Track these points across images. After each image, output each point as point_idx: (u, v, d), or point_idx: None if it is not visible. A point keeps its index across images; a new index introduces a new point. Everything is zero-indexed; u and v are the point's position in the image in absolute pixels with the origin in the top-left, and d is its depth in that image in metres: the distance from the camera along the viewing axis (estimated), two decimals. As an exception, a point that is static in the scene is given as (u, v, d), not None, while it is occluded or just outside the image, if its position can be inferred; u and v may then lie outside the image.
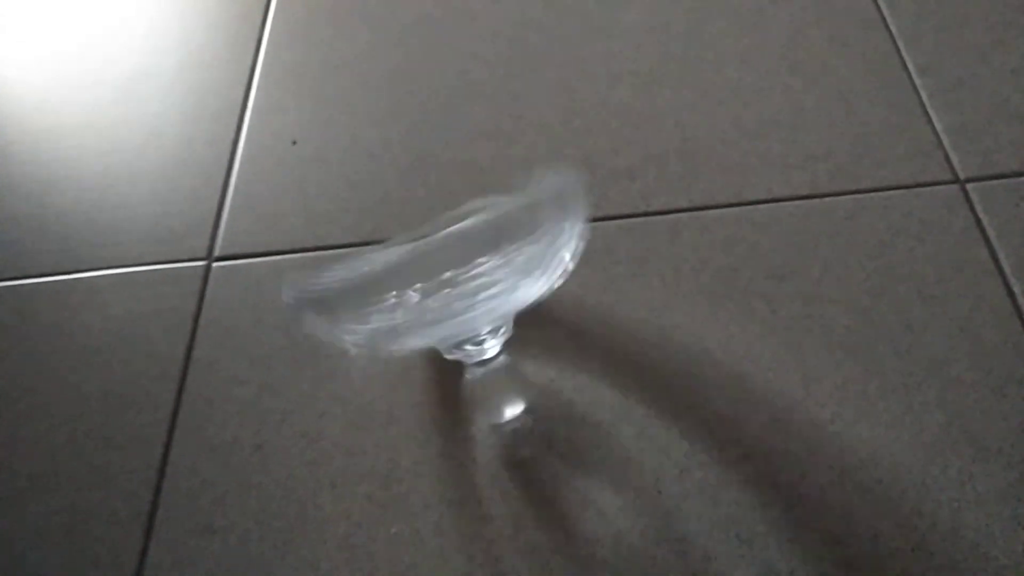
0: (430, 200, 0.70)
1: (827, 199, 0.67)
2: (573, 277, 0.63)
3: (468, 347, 0.55)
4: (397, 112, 0.76)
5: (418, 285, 0.51)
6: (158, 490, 0.58)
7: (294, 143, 0.75)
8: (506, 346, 0.55)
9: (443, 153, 0.73)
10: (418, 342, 0.53)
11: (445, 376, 0.61)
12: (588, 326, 0.62)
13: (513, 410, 0.58)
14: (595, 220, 0.67)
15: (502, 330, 0.56)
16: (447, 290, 0.50)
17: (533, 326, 0.61)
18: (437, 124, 0.75)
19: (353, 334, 0.52)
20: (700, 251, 0.64)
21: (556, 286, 0.54)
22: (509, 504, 0.55)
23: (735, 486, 0.54)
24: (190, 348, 0.64)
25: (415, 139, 0.74)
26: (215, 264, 0.69)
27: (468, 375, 0.57)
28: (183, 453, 0.59)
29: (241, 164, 0.75)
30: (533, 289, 0.53)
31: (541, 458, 0.57)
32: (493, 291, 0.51)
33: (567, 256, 0.53)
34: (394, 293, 0.52)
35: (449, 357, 0.55)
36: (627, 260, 0.64)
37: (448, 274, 0.51)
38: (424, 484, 0.56)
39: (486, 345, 0.55)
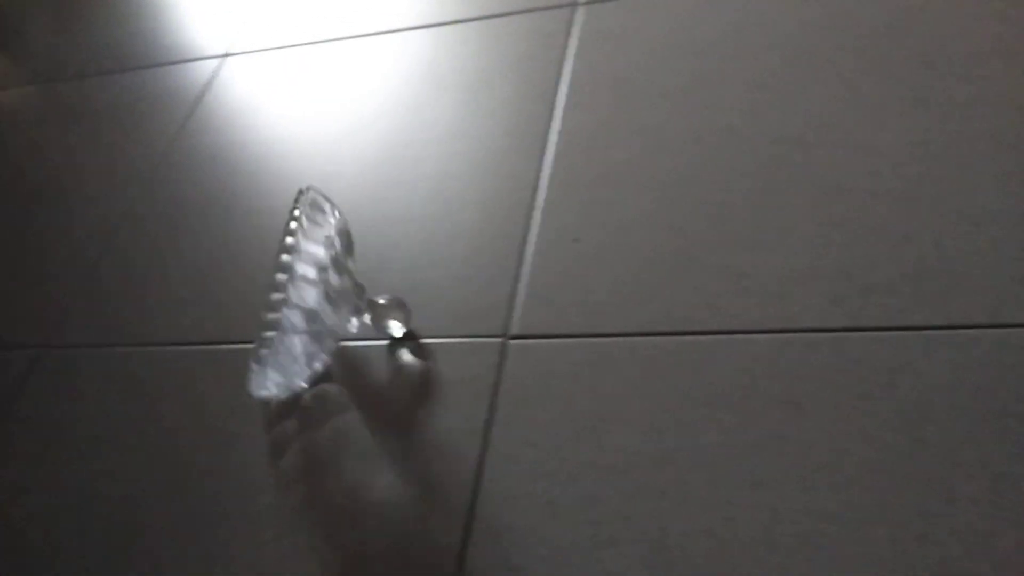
0: (695, 300, 0.79)
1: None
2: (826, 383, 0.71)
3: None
4: (666, 217, 0.87)
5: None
6: (468, 527, 0.71)
7: (576, 240, 0.88)
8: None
9: (708, 257, 0.82)
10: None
11: (691, 442, 0.70)
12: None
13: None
14: (850, 330, 0.74)
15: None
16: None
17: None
18: (703, 230, 0.85)
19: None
20: (956, 370, 0.69)
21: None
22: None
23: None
24: (491, 411, 0.78)
25: (683, 243, 0.84)
26: (511, 341, 0.82)
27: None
28: (489, 498, 0.72)
29: (531, 256, 0.88)
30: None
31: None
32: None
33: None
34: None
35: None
36: (880, 371, 0.71)
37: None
38: (689, 553, 0.65)
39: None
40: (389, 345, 0.86)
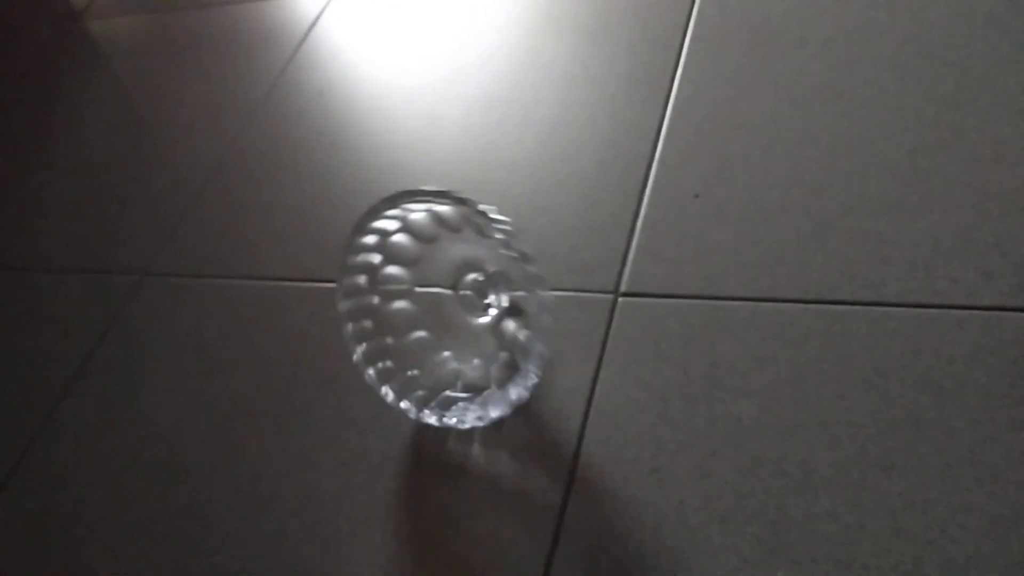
0: (827, 267, 0.73)
1: None
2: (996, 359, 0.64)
3: None
4: (798, 176, 0.81)
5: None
6: (568, 488, 0.68)
7: (696, 196, 0.82)
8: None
9: (843, 222, 0.76)
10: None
11: (831, 440, 0.64)
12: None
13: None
14: (1002, 310, 0.67)
15: None
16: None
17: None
18: (839, 192, 0.78)
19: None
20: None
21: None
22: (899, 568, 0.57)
23: None
24: (597, 369, 0.74)
25: (815, 205, 0.78)
26: (621, 298, 0.78)
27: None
28: (590, 462, 0.69)
29: (646, 211, 0.83)
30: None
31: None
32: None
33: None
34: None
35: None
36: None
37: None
38: (811, 538, 0.60)
39: None
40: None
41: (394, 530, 0.69)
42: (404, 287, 0.74)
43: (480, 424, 0.72)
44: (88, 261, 1.02)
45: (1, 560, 0.77)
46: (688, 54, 0.96)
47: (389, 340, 0.73)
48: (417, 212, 0.70)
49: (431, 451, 0.74)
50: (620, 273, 0.79)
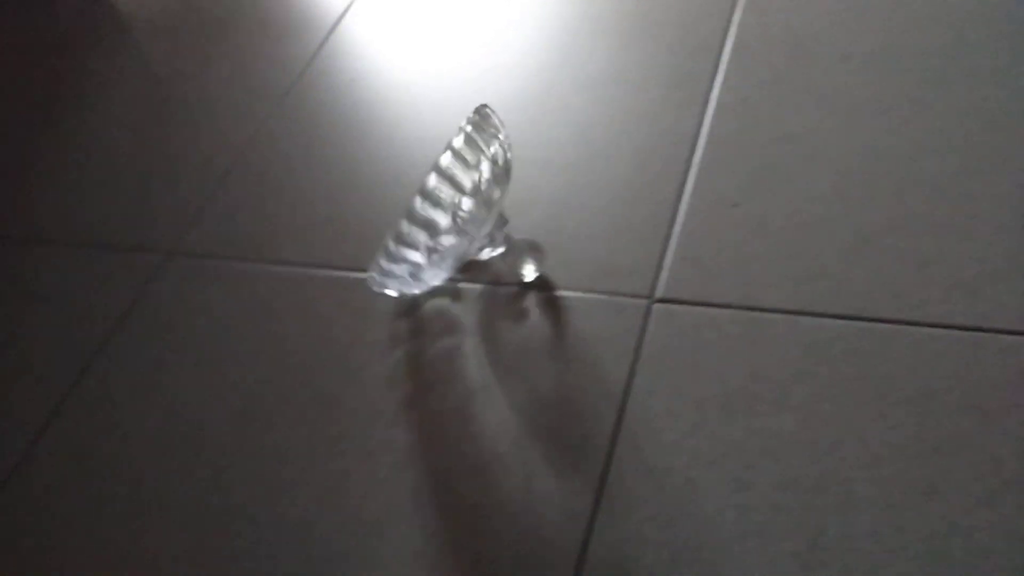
0: (870, 284, 0.73)
1: None
2: None
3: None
4: (841, 190, 0.80)
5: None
6: (599, 494, 0.67)
7: (735, 205, 0.82)
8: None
9: (886, 239, 0.75)
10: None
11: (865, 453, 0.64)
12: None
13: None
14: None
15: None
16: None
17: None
18: (882, 208, 0.77)
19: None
20: None
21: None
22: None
23: None
24: (630, 376, 0.73)
25: (858, 220, 0.77)
26: (656, 304, 0.77)
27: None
28: (622, 467, 0.68)
29: (684, 217, 0.82)
30: None
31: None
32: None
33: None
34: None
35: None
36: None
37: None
38: (850, 557, 0.60)
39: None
40: (518, 291, 0.82)
41: (421, 524, 0.68)
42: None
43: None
44: (113, 238, 1.00)
45: (22, 532, 0.76)
46: (728, 61, 0.95)
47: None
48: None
49: (459, 447, 0.73)
50: (655, 279, 0.79)
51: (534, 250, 0.80)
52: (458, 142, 0.75)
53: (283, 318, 0.88)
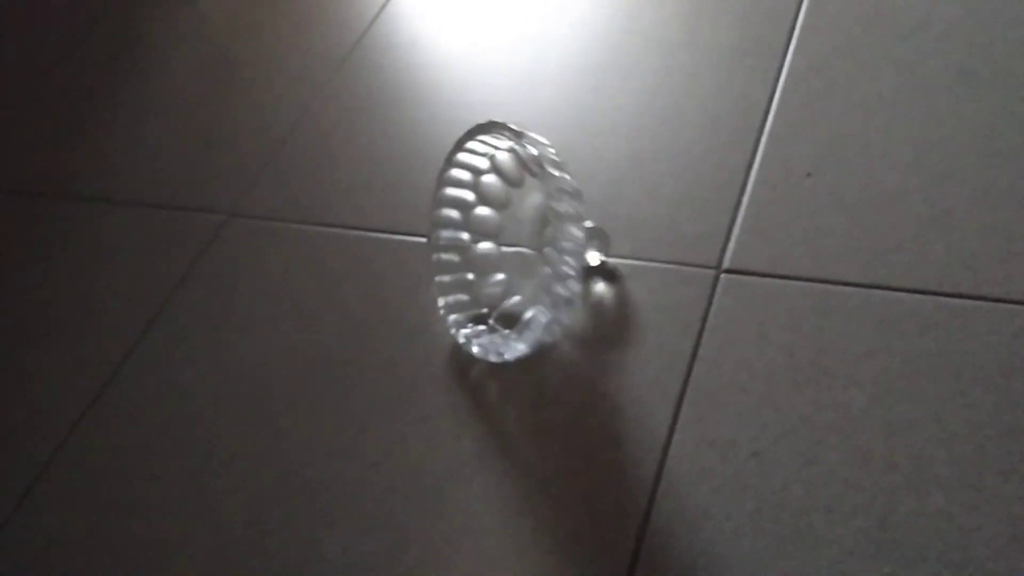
0: (949, 258, 0.70)
1: None
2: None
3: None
4: (919, 161, 0.77)
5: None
6: (661, 464, 0.66)
7: (808, 175, 0.79)
8: None
9: (967, 212, 0.72)
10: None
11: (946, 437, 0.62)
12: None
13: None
14: None
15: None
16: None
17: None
18: (963, 181, 0.75)
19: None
20: None
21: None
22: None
23: None
24: (696, 346, 0.71)
25: (937, 192, 0.75)
26: (724, 275, 0.75)
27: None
28: (685, 439, 0.67)
29: (753, 187, 0.80)
30: None
31: None
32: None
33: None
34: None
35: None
36: None
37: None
38: (922, 536, 0.58)
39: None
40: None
41: (478, 490, 0.68)
42: (493, 228, 0.77)
43: (499, 359, 0.73)
44: (173, 199, 1.01)
45: (81, 487, 0.78)
46: (803, 26, 0.92)
47: (470, 276, 0.77)
48: (503, 152, 0.70)
49: (519, 413, 0.72)
50: (723, 249, 0.77)
51: (599, 237, 0.78)
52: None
53: (340, 281, 0.88)
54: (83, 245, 1.00)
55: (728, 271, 0.75)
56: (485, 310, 0.77)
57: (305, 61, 1.14)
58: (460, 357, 0.76)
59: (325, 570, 0.67)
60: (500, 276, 0.78)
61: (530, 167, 0.72)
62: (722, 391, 0.68)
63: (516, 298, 0.77)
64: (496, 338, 0.74)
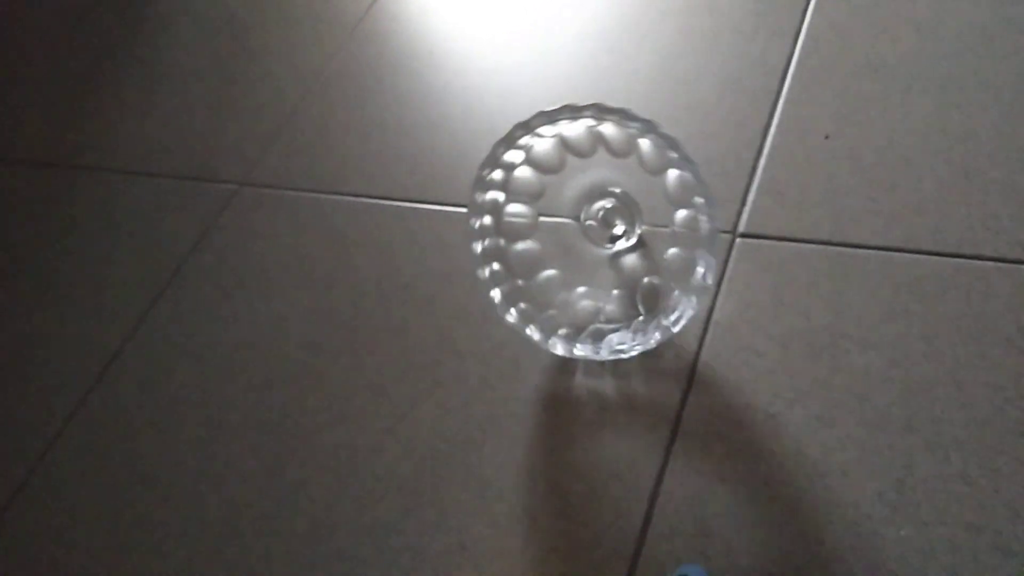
0: (970, 220, 0.69)
1: None
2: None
3: None
4: (940, 122, 0.76)
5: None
6: (675, 428, 0.65)
7: (827, 137, 0.78)
8: None
9: (989, 173, 0.71)
10: None
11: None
12: None
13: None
14: None
15: None
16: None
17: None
18: (985, 142, 0.73)
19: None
20: None
21: None
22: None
23: None
24: (711, 311, 0.71)
25: (959, 153, 0.73)
26: (739, 239, 0.74)
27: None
28: (699, 401, 0.66)
29: (771, 149, 0.79)
30: None
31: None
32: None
33: None
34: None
35: None
36: None
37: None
38: (940, 499, 0.57)
39: None
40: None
41: (489, 454, 0.68)
42: (527, 223, 0.71)
43: (641, 350, 0.68)
44: (185, 167, 1.01)
45: (95, 451, 0.78)
46: (821, -12, 0.90)
47: (520, 282, 0.70)
48: (545, 139, 0.67)
49: (531, 378, 0.72)
50: (739, 212, 0.76)
51: (629, 204, 0.75)
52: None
53: (351, 248, 0.87)
54: (94, 215, 1.00)
55: (744, 235, 0.74)
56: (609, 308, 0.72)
57: (317, 28, 1.13)
58: (470, 324, 0.76)
59: (338, 533, 0.67)
60: (549, 272, 0.73)
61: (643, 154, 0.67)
62: (737, 355, 0.67)
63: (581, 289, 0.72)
64: (627, 333, 0.70)
